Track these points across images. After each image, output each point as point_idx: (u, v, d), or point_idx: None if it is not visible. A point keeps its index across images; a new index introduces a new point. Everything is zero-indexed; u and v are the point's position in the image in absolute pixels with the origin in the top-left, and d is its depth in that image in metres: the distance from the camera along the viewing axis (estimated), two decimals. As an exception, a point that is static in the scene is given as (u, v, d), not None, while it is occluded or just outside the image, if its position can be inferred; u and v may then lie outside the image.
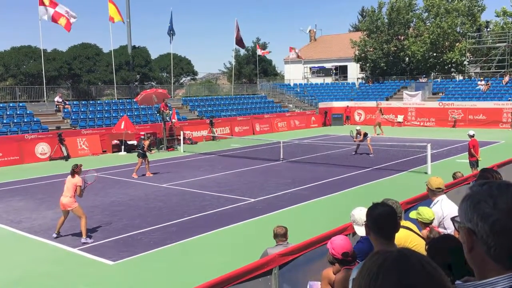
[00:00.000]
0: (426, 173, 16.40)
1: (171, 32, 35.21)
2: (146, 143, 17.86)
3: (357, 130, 21.76)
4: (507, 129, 31.43)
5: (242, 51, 57.21)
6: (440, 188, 5.64)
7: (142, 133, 26.32)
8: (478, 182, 1.38)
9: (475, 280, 1.30)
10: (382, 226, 3.03)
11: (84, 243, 9.99)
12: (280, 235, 6.42)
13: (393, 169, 18.00)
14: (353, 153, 22.00)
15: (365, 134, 21.61)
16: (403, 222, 4.64)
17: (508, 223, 1.23)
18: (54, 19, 27.15)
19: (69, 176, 10.57)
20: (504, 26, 41.33)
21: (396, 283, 1.09)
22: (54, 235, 10.45)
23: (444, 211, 5.40)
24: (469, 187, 1.37)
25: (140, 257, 9.17)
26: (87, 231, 10.39)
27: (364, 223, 3.20)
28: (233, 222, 11.31)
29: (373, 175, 16.76)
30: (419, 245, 4.17)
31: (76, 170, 10.51)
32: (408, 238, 4.38)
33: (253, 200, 13.50)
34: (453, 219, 1.42)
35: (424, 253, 3.02)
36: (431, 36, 41.82)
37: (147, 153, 17.92)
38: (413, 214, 5.11)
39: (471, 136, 15.17)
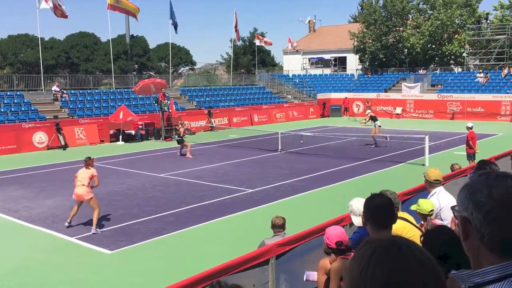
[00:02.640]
0: (423, 165, 16.44)
1: (174, 23, 34.85)
2: (182, 130, 19.80)
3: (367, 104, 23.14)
4: (506, 122, 31.47)
5: (240, 42, 57.03)
6: (438, 180, 5.65)
7: (140, 123, 26.33)
8: (478, 172, 1.40)
9: (471, 270, 1.30)
10: (379, 216, 3.04)
11: (94, 233, 9.96)
12: (278, 226, 6.44)
13: (391, 160, 18.03)
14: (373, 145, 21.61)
15: (374, 118, 21.86)
16: (400, 213, 4.66)
17: (501, 212, 1.24)
18: (56, 8, 26.99)
19: (84, 169, 10.57)
20: (504, 19, 41.22)
21: (388, 272, 1.08)
22: (66, 224, 10.42)
23: (441, 203, 5.43)
24: (469, 177, 1.38)
25: (138, 246, 9.19)
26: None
27: (361, 214, 3.21)
28: (231, 213, 11.33)
29: (371, 167, 16.79)
30: (415, 236, 4.20)
31: (89, 162, 10.59)
32: (405, 229, 4.40)
33: (250, 190, 13.52)
34: (453, 207, 1.44)
35: (420, 244, 3.04)
36: (429, 29, 41.71)
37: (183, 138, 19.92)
38: (413, 207, 5.13)
39: (470, 128, 15.20)
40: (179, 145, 20.08)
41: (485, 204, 1.26)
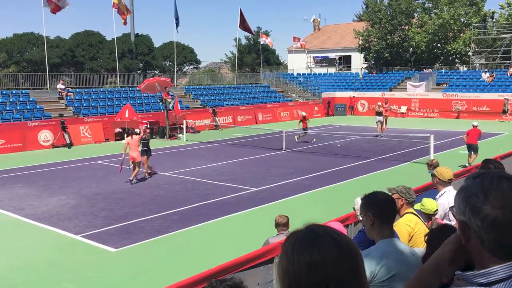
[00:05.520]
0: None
1: (176, 21, 34.90)
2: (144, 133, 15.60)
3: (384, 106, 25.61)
4: (511, 121, 31.32)
5: (244, 40, 57.00)
6: (451, 179, 5.66)
7: (145, 121, 26.37)
8: (472, 174, 1.38)
9: (475, 271, 1.31)
10: (386, 210, 2.97)
11: (132, 183, 14.17)
12: (282, 224, 6.45)
13: (395, 159, 17.99)
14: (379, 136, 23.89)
15: (380, 114, 24.75)
16: (411, 209, 4.68)
17: (499, 217, 1.23)
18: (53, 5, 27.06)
19: (129, 138, 14.60)
20: (510, 18, 40.98)
21: (309, 255, 1.24)
22: (133, 180, 14.29)
23: (451, 203, 5.41)
24: (464, 179, 1.37)
25: (142, 244, 9.22)
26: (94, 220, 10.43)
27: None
28: (235, 211, 11.34)
29: (376, 166, 16.76)
30: (422, 233, 4.22)
31: (133, 132, 14.90)
32: (418, 224, 4.46)
33: (255, 189, 13.53)
34: (452, 208, 1.43)
35: (423, 242, 3.02)
36: (432, 27, 41.52)
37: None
38: (417, 206, 5.13)
39: (473, 126, 15.90)
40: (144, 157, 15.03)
41: (482, 209, 1.25)
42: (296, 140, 22.28)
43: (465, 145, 16.16)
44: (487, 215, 1.24)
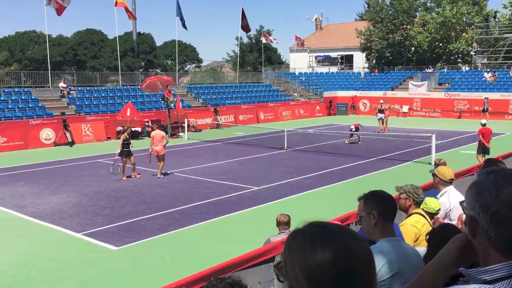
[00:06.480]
0: (430, 163, 16.34)
1: (181, 20, 34.85)
2: (124, 136, 15.26)
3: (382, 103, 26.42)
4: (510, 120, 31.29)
5: (246, 40, 56.94)
6: (452, 179, 5.65)
7: (146, 120, 26.39)
8: (485, 170, 1.37)
9: (479, 267, 1.31)
10: (390, 207, 2.97)
11: (159, 177, 14.73)
12: (283, 223, 6.45)
13: (397, 159, 17.97)
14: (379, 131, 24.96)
15: (381, 111, 25.91)
16: (419, 210, 4.68)
17: (508, 214, 1.23)
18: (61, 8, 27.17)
19: (156, 131, 15.07)
20: (512, 17, 40.93)
21: (328, 254, 1.24)
22: (159, 175, 14.82)
23: (452, 202, 5.39)
24: (477, 175, 1.37)
25: (144, 243, 9.22)
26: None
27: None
28: (236, 210, 11.35)
29: (377, 165, 16.74)
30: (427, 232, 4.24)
31: (159, 125, 16.10)
32: (425, 224, 4.48)
33: (256, 188, 13.53)
34: (461, 203, 1.43)
35: (426, 242, 3.01)
36: (434, 25, 41.44)
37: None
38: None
39: (482, 125, 15.84)
40: (125, 159, 15.09)
41: (492, 205, 1.25)
42: (347, 142, 22.73)
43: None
44: (497, 211, 1.24)
